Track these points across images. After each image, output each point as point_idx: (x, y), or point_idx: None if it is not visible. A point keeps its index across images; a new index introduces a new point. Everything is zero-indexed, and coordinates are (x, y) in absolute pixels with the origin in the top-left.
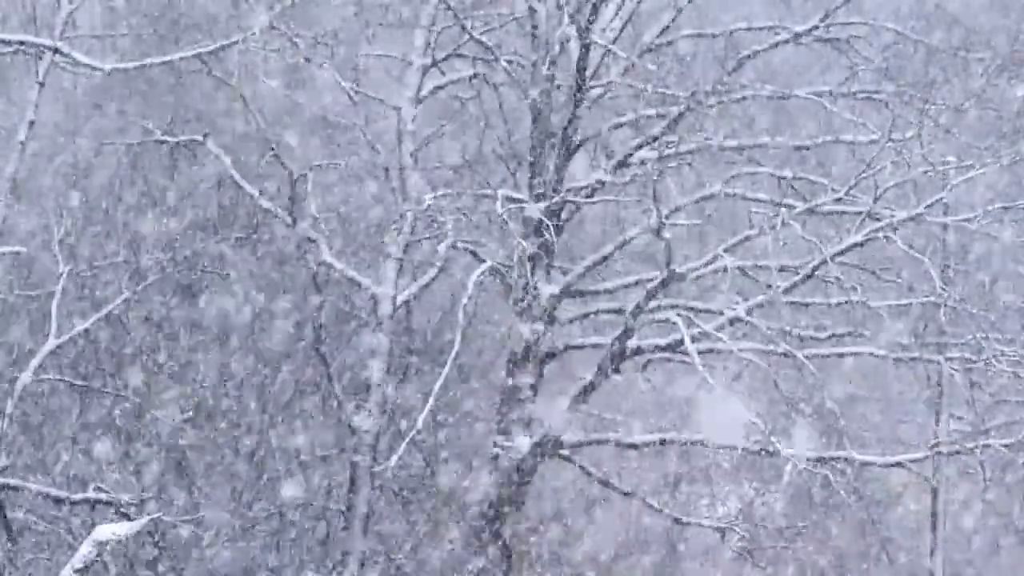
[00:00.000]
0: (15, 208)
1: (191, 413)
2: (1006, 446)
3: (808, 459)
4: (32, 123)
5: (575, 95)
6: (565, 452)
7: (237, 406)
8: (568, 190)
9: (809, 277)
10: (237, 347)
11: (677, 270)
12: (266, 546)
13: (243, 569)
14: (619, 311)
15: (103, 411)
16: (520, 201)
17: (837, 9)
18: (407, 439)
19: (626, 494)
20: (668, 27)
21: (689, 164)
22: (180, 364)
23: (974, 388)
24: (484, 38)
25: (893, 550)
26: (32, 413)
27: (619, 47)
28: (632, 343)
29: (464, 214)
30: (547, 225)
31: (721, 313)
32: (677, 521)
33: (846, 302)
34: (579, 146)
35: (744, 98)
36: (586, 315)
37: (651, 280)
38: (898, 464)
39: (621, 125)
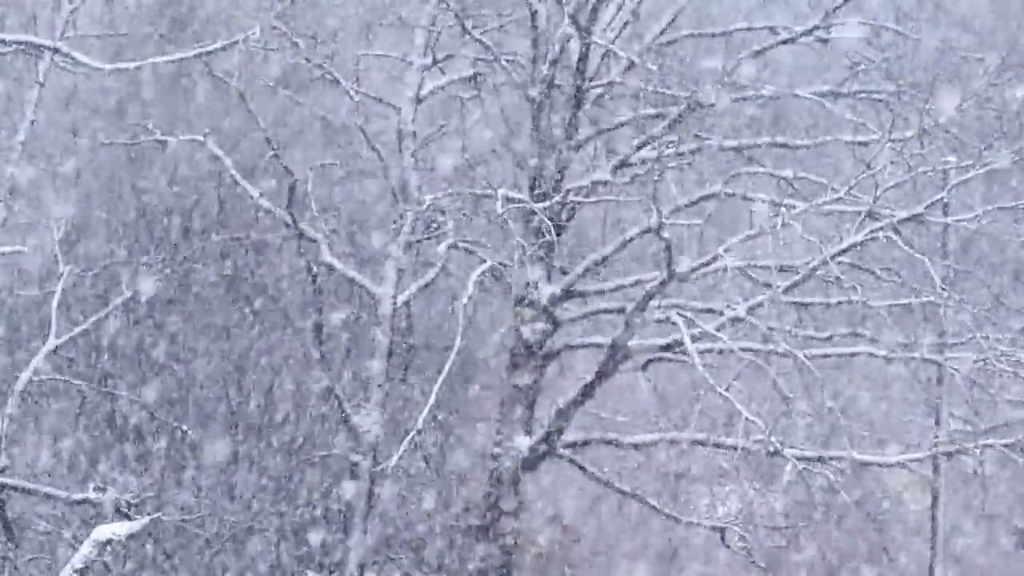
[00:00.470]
0: (15, 208)
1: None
2: (1006, 446)
3: (808, 459)
4: (32, 123)
5: (575, 95)
6: (565, 452)
7: (237, 406)
8: (568, 190)
9: (809, 277)
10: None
11: (677, 270)
12: (266, 546)
13: (243, 569)
14: (619, 311)
15: (103, 411)
16: (520, 201)
17: (837, 9)
18: (407, 439)
19: (626, 494)
20: (668, 27)
21: (689, 164)
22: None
23: (974, 388)
24: (484, 38)
25: (893, 550)
26: (32, 413)
27: (619, 47)
28: (632, 343)
29: (464, 214)
30: (547, 225)
31: (721, 313)
32: (677, 521)
33: (846, 302)
34: (579, 146)
35: (744, 98)
36: (586, 315)
37: (651, 280)
38: (898, 464)
39: (621, 125)
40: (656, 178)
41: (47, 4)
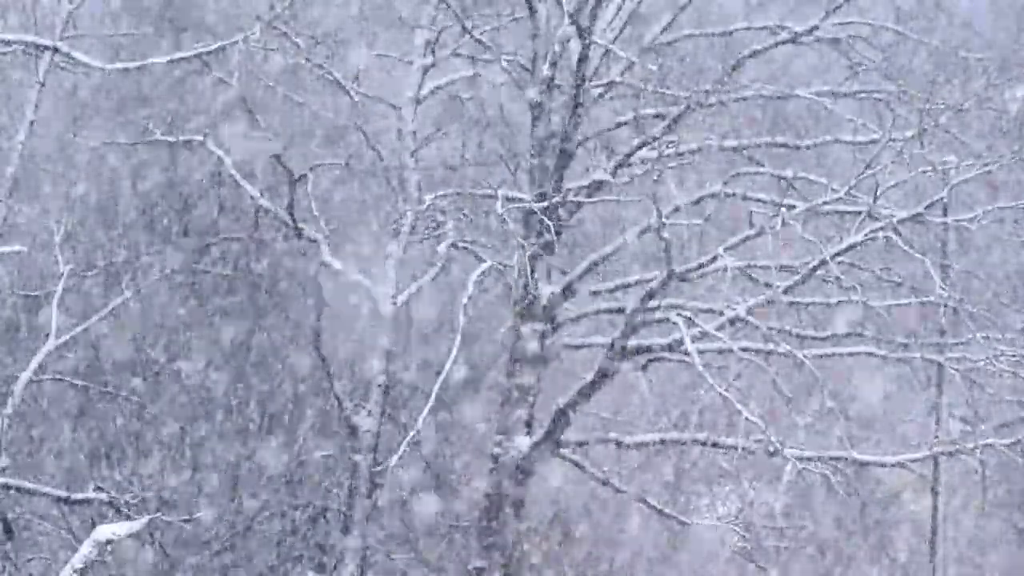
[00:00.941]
0: (15, 208)
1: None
2: (1006, 446)
3: (808, 459)
4: (32, 123)
5: (575, 95)
6: (565, 452)
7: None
8: (568, 190)
9: (809, 277)
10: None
11: (677, 270)
12: (266, 546)
13: (243, 569)
14: (619, 311)
15: (103, 411)
16: (520, 201)
17: (837, 9)
18: (407, 439)
19: (626, 494)
20: (668, 27)
21: (689, 164)
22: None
23: (974, 388)
24: (484, 38)
25: (893, 550)
26: (32, 413)
27: (619, 47)
28: (632, 343)
29: (464, 214)
30: (547, 225)
31: (721, 313)
32: (677, 521)
33: (846, 302)
34: (579, 146)
35: (744, 98)
36: (586, 315)
37: (651, 280)
38: (898, 464)
39: (621, 125)
40: (656, 178)
41: (47, 4)
